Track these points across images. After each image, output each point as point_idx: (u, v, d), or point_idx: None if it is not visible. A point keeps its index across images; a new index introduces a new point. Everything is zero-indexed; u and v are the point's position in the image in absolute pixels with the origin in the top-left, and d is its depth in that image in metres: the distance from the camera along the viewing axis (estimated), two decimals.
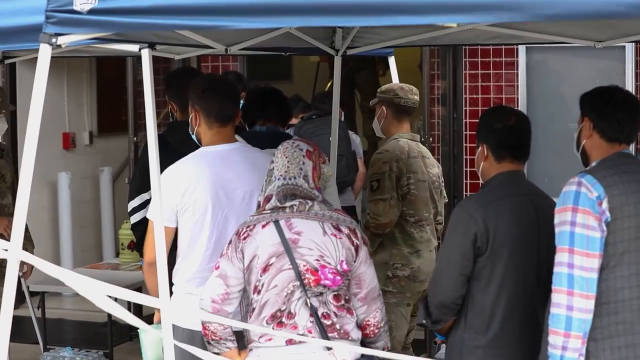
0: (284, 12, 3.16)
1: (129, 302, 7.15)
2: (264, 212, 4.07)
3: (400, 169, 5.85)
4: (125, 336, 8.15)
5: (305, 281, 3.99)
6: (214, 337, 4.08)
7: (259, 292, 4.02)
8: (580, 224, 3.61)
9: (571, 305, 3.59)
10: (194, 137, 4.67)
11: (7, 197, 6.38)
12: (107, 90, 10.51)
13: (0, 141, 6.81)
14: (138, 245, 5.04)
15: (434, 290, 4.19)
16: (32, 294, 7.26)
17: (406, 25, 4.87)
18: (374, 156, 5.97)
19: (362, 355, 4.06)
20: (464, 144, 8.44)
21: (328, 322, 4.01)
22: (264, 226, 4.03)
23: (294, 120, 7.54)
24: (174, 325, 4.10)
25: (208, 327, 4.07)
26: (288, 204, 4.04)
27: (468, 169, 8.39)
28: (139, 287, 6.87)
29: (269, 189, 4.11)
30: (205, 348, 4.09)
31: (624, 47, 7.90)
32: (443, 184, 6.21)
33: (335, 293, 4.04)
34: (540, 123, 7.94)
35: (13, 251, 3.35)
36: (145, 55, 3.79)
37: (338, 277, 4.02)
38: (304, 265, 3.99)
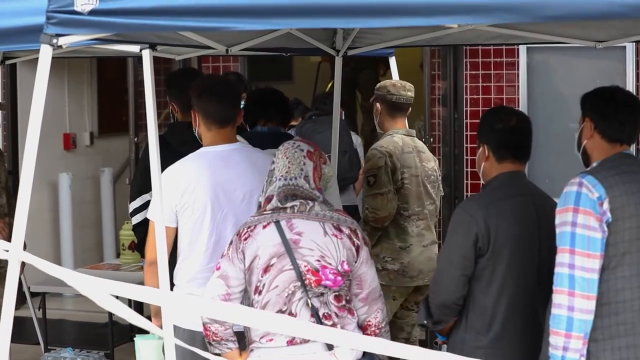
0: (285, 14, 3.16)
1: (129, 304, 7.16)
2: (265, 212, 4.07)
3: (394, 164, 5.97)
4: (126, 337, 8.12)
5: (306, 282, 3.99)
6: (215, 338, 4.08)
7: (260, 293, 4.02)
8: (581, 224, 3.61)
9: (572, 306, 3.59)
10: (197, 136, 4.69)
11: (1, 197, 6.37)
12: (108, 90, 10.50)
13: None
14: (139, 246, 5.04)
15: (435, 291, 4.19)
16: (33, 294, 7.27)
17: (407, 26, 4.87)
18: (369, 152, 6.09)
19: (364, 355, 4.07)
20: (465, 145, 8.44)
21: (329, 323, 4.00)
22: (264, 227, 4.03)
23: (294, 123, 7.54)
24: (174, 326, 4.11)
25: (209, 327, 4.07)
26: (289, 204, 4.04)
27: (469, 170, 8.39)
28: None
29: (269, 189, 4.11)
30: (206, 349, 4.09)
31: (624, 47, 7.89)
32: (440, 178, 6.29)
33: (336, 293, 4.04)
34: (541, 123, 7.93)
35: (14, 252, 3.35)
36: (146, 55, 3.79)
37: (339, 278, 4.02)
38: (305, 266, 3.99)
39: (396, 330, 6.08)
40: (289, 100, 6.23)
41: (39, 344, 7.28)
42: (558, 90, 8.34)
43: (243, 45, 5.38)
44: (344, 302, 4.06)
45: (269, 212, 4.06)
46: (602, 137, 3.84)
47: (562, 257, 3.64)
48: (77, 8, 3.28)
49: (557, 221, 3.69)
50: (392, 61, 6.68)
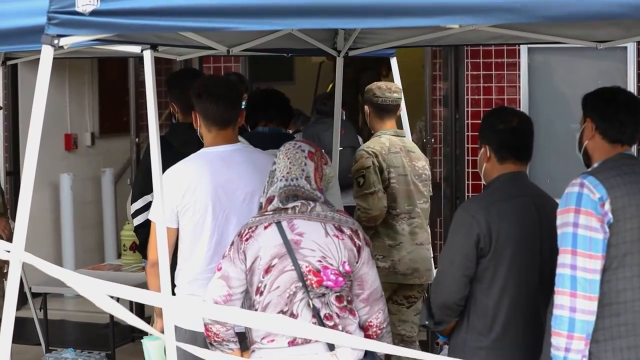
0: (286, 14, 3.16)
1: (130, 305, 7.17)
2: (266, 213, 4.07)
3: (380, 164, 6.09)
4: (127, 337, 8.14)
5: (308, 282, 3.98)
6: (216, 339, 4.08)
7: (261, 294, 4.02)
8: (583, 225, 3.60)
9: (574, 307, 3.59)
10: (199, 136, 4.69)
11: None
12: (109, 91, 10.51)
13: None
14: (141, 247, 5.04)
15: (437, 291, 4.19)
16: (34, 295, 7.28)
17: (408, 26, 4.88)
18: (357, 153, 6.21)
19: (365, 355, 4.07)
20: (466, 145, 8.44)
21: (330, 323, 4.00)
22: (266, 227, 4.03)
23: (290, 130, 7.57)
24: (176, 327, 4.10)
25: (210, 328, 4.07)
26: (290, 205, 4.04)
27: (470, 170, 8.39)
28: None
29: (271, 190, 4.11)
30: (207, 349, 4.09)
31: (625, 47, 7.89)
32: (430, 177, 6.38)
33: (338, 294, 4.04)
34: (542, 124, 7.93)
35: (15, 252, 3.35)
36: (147, 56, 3.79)
37: (340, 278, 4.02)
38: (307, 267, 3.99)
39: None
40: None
41: (40, 344, 7.29)
42: (559, 90, 8.34)
43: (244, 46, 5.38)
44: (345, 303, 4.06)
45: (270, 212, 4.06)
46: (603, 138, 3.84)
47: (563, 258, 3.63)
48: (79, 9, 3.28)
49: (558, 222, 3.69)
50: (394, 62, 6.69)
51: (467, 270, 4.09)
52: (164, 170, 4.12)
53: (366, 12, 3.09)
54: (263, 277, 4.01)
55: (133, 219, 5.15)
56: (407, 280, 6.12)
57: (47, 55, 3.36)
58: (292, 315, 3.99)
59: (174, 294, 4.41)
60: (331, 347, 3.99)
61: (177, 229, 4.53)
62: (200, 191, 4.48)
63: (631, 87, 7.81)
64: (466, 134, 8.45)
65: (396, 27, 3.15)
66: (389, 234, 6.09)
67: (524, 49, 8.23)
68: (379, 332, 4.15)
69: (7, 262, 3.41)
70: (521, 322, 4.10)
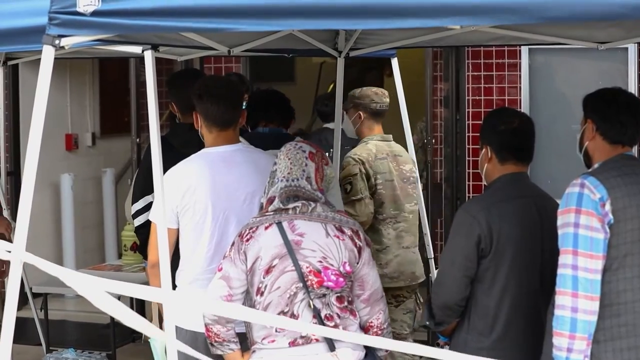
0: (287, 15, 3.16)
1: (131, 307, 7.16)
2: (267, 213, 4.07)
3: (367, 171, 6.17)
4: (128, 337, 8.15)
5: (308, 283, 3.99)
6: (217, 339, 4.08)
7: (262, 294, 4.02)
8: (584, 225, 3.60)
9: (576, 307, 3.59)
10: (201, 136, 4.69)
11: None
12: (110, 91, 10.51)
13: None
14: (141, 247, 5.03)
15: (438, 292, 4.19)
16: (35, 295, 7.28)
17: (410, 27, 4.88)
18: (344, 160, 6.28)
19: (366, 355, 4.07)
20: (467, 146, 8.44)
21: (331, 324, 4.00)
22: (266, 228, 4.04)
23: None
24: (177, 327, 4.10)
25: (211, 328, 4.07)
26: (291, 205, 4.04)
27: (471, 171, 8.39)
28: None
29: (271, 190, 4.11)
30: (208, 350, 4.09)
31: (626, 48, 7.89)
32: (418, 179, 6.48)
33: (338, 295, 4.04)
34: (543, 124, 7.92)
35: (16, 252, 3.35)
36: (148, 56, 3.79)
37: (341, 279, 4.02)
38: (307, 267, 3.99)
39: None
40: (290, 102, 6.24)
41: (40, 344, 7.29)
42: (560, 91, 8.34)
43: (245, 46, 5.38)
44: (346, 303, 4.06)
45: (271, 213, 4.06)
46: (604, 139, 3.84)
47: (565, 259, 3.63)
48: (80, 9, 3.28)
49: (559, 222, 3.69)
50: (394, 62, 6.68)
51: (468, 270, 4.09)
52: (164, 170, 4.12)
53: (367, 13, 3.09)
54: (264, 278, 4.01)
55: (134, 219, 5.15)
56: (395, 283, 6.19)
57: (48, 55, 3.37)
58: (293, 315, 3.99)
59: None
60: (332, 347, 3.99)
61: (177, 230, 4.53)
62: (201, 192, 4.48)
63: (632, 88, 7.81)
64: (467, 134, 8.45)
65: (397, 28, 3.15)
66: (376, 239, 6.13)
67: (524, 50, 8.23)
68: (379, 332, 4.16)
69: (7, 262, 3.42)
70: (522, 323, 4.10)
